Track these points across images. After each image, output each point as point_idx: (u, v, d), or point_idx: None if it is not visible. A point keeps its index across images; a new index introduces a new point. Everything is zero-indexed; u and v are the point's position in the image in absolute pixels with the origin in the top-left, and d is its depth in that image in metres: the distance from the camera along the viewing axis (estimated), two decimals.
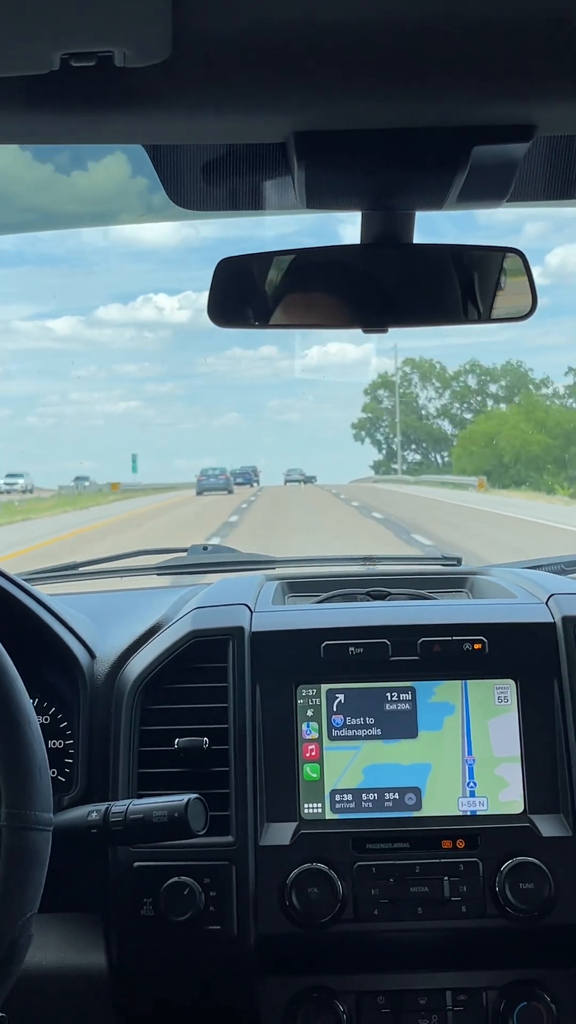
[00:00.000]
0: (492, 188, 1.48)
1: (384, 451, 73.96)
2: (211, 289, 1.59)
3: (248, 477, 48.45)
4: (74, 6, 1.02)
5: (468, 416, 67.02)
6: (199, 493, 38.87)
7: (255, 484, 48.14)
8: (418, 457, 70.70)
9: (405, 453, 71.85)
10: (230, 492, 38.88)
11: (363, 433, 75.04)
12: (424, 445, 69.81)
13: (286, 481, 52.49)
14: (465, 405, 69.26)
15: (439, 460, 67.55)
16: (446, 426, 70.44)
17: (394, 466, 69.96)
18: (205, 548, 2.80)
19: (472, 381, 69.75)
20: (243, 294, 1.61)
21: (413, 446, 71.26)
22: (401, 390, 70.92)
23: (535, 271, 1.63)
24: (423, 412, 71.65)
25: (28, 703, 1.32)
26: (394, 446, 72.37)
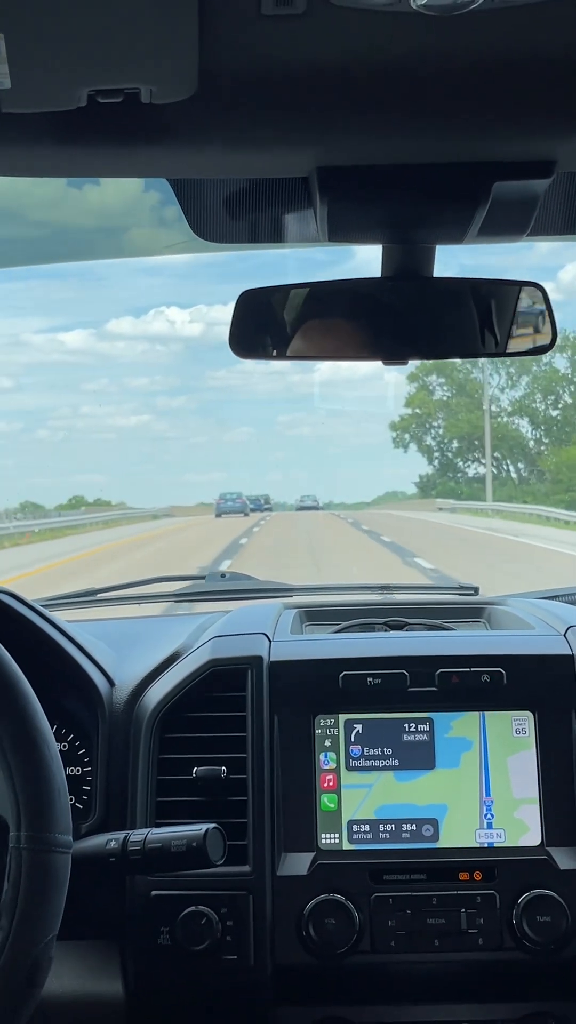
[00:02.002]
0: (512, 223, 1.49)
1: (437, 461, 52.04)
2: (233, 321, 1.60)
3: (259, 504, 48.27)
4: (102, 44, 1.03)
5: (555, 413, 47.15)
6: (218, 515, 38.79)
7: (270, 510, 47.55)
8: (481, 469, 49.08)
9: (465, 464, 51.11)
10: (246, 515, 38.89)
11: (407, 436, 52.81)
12: (495, 454, 47.66)
13: (299, 508, 50.46)
14: (552, 398, 47.28)
15: (513, 472, 47.38)
16: (524, 426, 48.65)
17: (444, 481, 49.34)
18: (223, 575, 2.81)
19: (561, 363, 45.98)
20: (265, 326, 1.62)
21: (476, 454, 49.71)
22: (459, 374, 49.77)
23: (547, 287, 1.63)
24: (488, 408, 48.46)
25: (47, 727, 1.33)
26: (450, 454, 50.86)
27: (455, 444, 50.71)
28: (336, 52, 1.12)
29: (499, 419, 48.60)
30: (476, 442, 48.91)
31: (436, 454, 52.33)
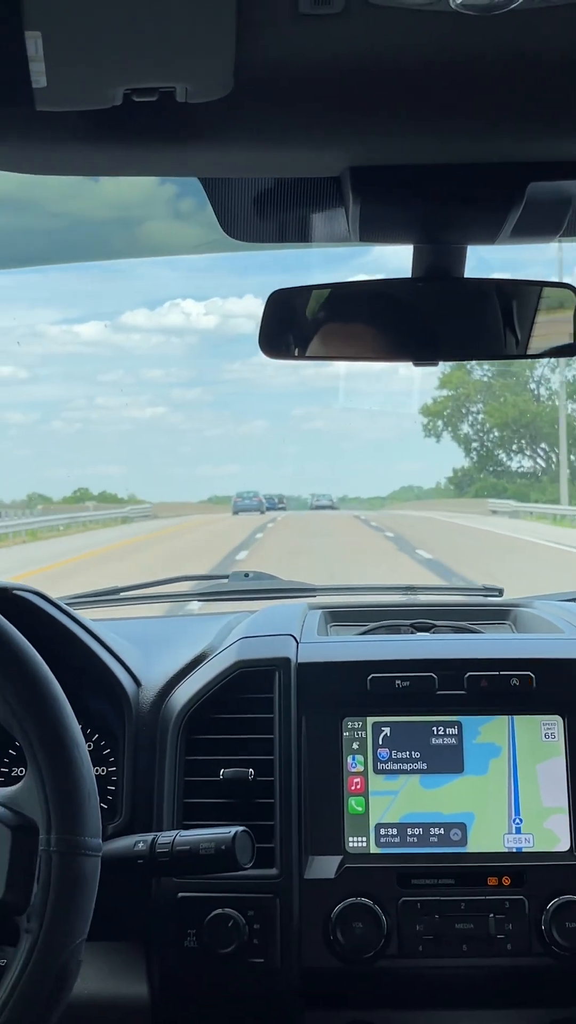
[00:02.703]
0: (546, 223, 1.48)
1: (475, 453, 45.15)
2: (262, 321, 1.59)
3: (273, 503, 48.13)
4: (139, 43, 1.03)
5: None
6: (235, 513, 38.64)
7: (283, 509, 47.00)
8: (528, 463, 42.58)
9: (508, 456, 44.19)
10: (262, 512, 38.76)
11: (440, 424, 45.46)
12: (542, 447, 40.71)
13: (314, 507, 48.56)
14: None
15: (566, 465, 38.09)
16: None
17: (484, 477, 42.81)
18: (246, 575, 2.80)
19: None
20: (295, 326, 1.61)
21: (522, 442, 42.41)
22: None
23: (571, 280, 1.61)
24: (537, 390, 42.44)
25: (77, 729, 1.32)
26: (489, 443, 43.65)
27: (495, 433, 43.99)
28: (372, 51, 1.11)
29: (549, 403, 42.11)
30: (522, 430, 42.18)
31: (475, 444, 45.06)
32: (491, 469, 44.86)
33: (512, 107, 1.24)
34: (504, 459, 45.00)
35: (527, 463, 42.50)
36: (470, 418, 45.21)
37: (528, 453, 42.75)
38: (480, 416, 44.78)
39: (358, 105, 1.22)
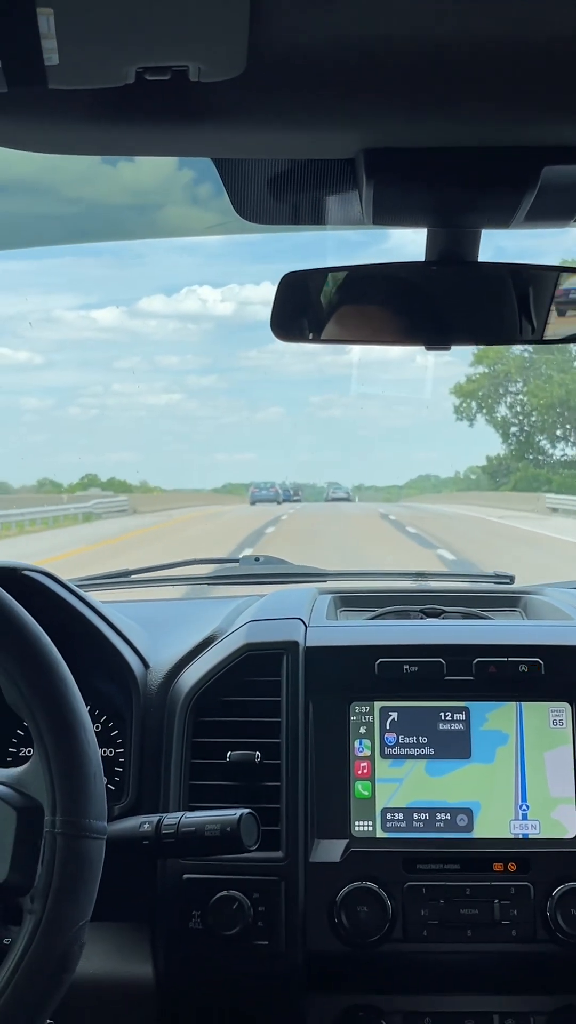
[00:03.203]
0: (561, 208, 1.47)
1: (514, 439, 39.71)
2: (275, 303, 1.59)
3: (288, 495, 48.12)
4: (153, 20, 1.02)
5: None
6: (253, 503, 38.62)
7: (299, 500, 46.70)
8: (568, 450, 37.87)
9: (553, 442, 38.52)
10: (279, 503, 38.68)
11: (474, 406, 40.29)
12: None
13: (330, 499, 47.58)
14: None
15: None
16: None
17: (525, 466, 38.11)
18: (256, 559, 2.80)
19: None
20: (307, 310, 1.60)
21: (568, 427, 37.23)
22: None
23: None
24: None
25: (84, 711, 1.32)
26: (529, 427, 38.19)
27: (535, 416, 38.37)
28: (387, 32, 1.10)
29: None
30: (568, 413, 36.48)
31: (514, 428, 39.17)
32: (531, 457, 39.52)
33: (527, 90, 1.22)
34: (547, 446, 39.58)
35: (567, 451, 37.45)
36: (508, 399, 39.46)
37: (566, 436, 37.51)
38: (521, 397, 39.05)
39: (372, 86, 1.21)
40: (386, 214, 1.50)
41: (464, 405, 40.66)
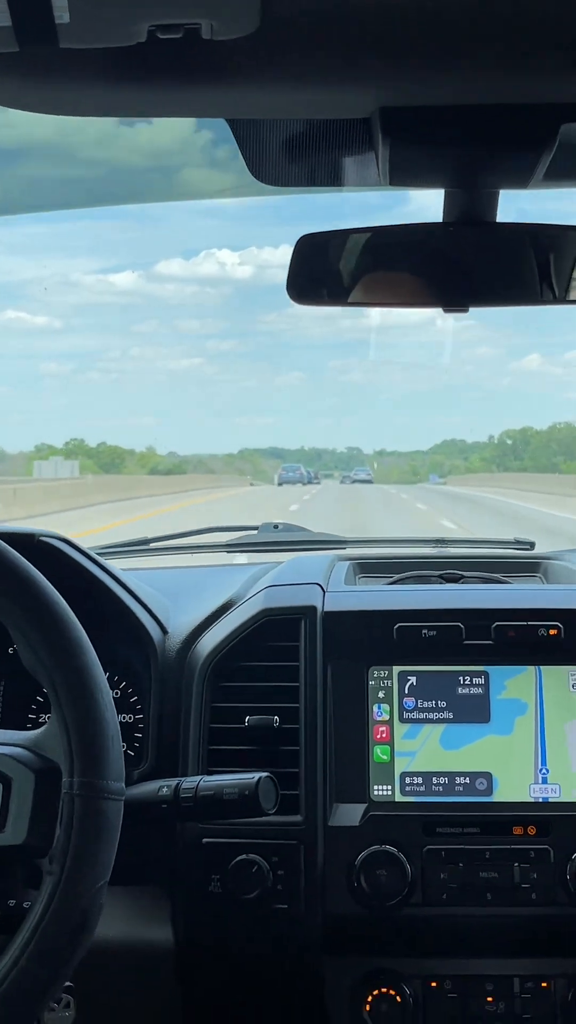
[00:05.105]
0: None
1: None
2: (291, 266, 1.58)
3: (310, 476, 48.55)
4: None
5: None
6: (280, 484, 38.80)
7: (318, 483, 47.21)
8: None
9: None
10: (304, 484, 39.04)
11: None
12: None
13: (352, 480, 47.30)
14: None
15: None
16: None
17: None
18: (275, 527, 2.79)
19: None
20: (323, 272, 1.59)
21: None
22: None
23: None
24: None
25: (101, 674, 1.32)
26: None
27: None
28: None
29: None
30: None
31: None
32: None
33: (544, 47, 1.21)
34: None
35: None
36: None
37: None
38: None
39: (388, 43, 1.19)
40: (403, 174, 1.49)
41: None
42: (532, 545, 2.54)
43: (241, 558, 2.66)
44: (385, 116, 1.34)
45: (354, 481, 48.64)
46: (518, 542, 2.61)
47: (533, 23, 1.16)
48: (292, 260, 1.57)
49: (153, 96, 1.32)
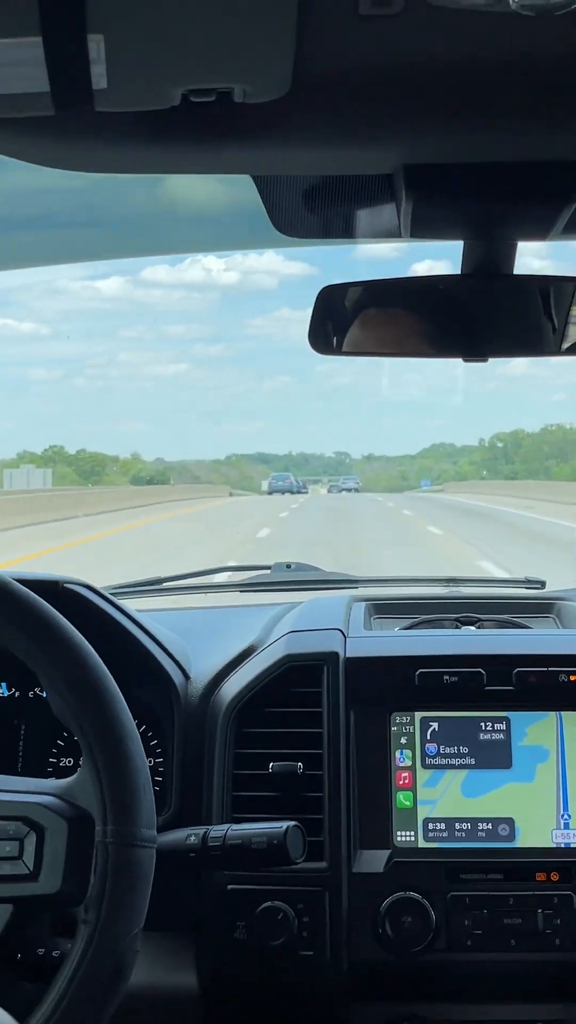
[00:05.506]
0: None
1: None
2: (312, 316, 1.60)
3: (299, 486, 48.70)
4: (200, 45, 1.03)
5: None
6: (270, 493, 38.86)
7: (305, 492, 47.45)
8: None
9: None
10: (294, 493, 39.16)
11: None
12: None
13: (339, 488, 47.57)
14: None
15: None
16: None
17: None
18: (288, 566, 2.80)
19: None
20: (344, 322, 1.61)
21: None
22: None
23: None
24: None
25: (131, 721, 1.33)
26: None
27: None
28: (429, 51, 1.11)
29: None
30: None
31: None
32: None
33: (565, 106, 1.23)
34: None
35: None
36: None
37: None
38: None
39: (414, 104, 1.21)
40: (424, 227, 1.51)
41: None
42: (543, 584, 2.55)
43: (253, 597, 2.67)
44: (409, 173, 1.37)
45: (341, 490, 48.80)
46: (528, 580, 2.62)
47: (556, 82, 1.18)
48: (314, 311, 1.59)
49: (184, 155, 1.34)
